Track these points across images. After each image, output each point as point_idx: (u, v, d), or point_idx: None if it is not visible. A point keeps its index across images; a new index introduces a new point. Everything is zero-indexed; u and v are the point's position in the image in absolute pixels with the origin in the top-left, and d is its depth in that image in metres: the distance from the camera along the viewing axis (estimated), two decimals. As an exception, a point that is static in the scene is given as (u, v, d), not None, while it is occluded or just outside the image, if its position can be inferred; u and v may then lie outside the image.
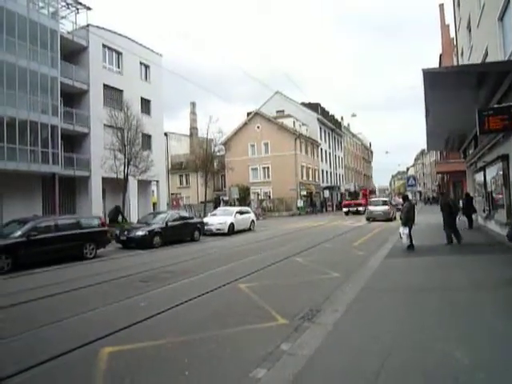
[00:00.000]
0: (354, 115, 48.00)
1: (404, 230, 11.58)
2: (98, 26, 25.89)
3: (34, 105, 20.87)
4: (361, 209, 37.64)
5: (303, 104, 55.13)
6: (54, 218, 13.66)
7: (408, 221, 11.65)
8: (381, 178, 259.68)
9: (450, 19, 32.22)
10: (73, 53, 24.86)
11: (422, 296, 6.31)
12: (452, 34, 28.84)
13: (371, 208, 27.56)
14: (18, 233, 11.55)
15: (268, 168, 46.80)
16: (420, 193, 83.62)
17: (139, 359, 4.37)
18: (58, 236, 12.45)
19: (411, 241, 11.62)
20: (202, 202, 37.40)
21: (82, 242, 13.24)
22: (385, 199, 31.62)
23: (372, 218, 26.56)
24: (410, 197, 17.33)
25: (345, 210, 39.17)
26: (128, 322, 5.62)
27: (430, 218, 23.24)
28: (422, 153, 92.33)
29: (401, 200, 24.77)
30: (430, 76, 9.14)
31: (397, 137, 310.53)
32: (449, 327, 4.79)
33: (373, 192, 50.86)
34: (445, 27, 33.29)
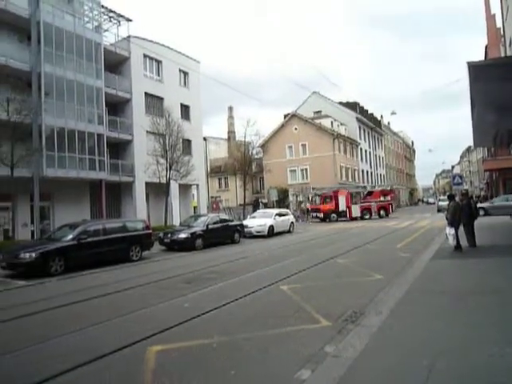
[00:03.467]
0: (393, 113, 46.44)
1: (450, 231, 11.12)
2: (138, 37, 26.82)
3: (81, 115, 21.92)
4: (319, 215, 32.76)
5: (341, 103, 54.37)
6: (102, 222, 14.30)
7: (454, 221, 11.19)
8: (424, 177, 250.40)
9: (496, 9, 30.77)
10: (115, 63, 25.89)
11: (471, 299, 6.06)
12: (498, 24, 27.47)
13: (440, 203, 36.74)
14: (70, 236, 12.17)
15: (306, 169, 46.48)
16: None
17: (186, 358, 4.49)
18: (106, 239, 13.01)
19: (458, 242, 11.15)
20: (241, 205, 37.73)
21: (129, 245, 13.74)
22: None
23: (441, 210, 33.77)
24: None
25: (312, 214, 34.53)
26: (174, 321, 5.78)
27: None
28: (468, 150, 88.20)
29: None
30: (475, 69, 8.77)
31: (440, 134, 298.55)
32: (499, 330, 4.57)
33: (387, 193, 37.39)
34: (490, 17, 31.69)
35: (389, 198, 37.05)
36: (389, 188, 39.48)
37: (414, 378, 3.51)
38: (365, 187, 40.68)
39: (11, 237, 18.73)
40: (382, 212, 35.21)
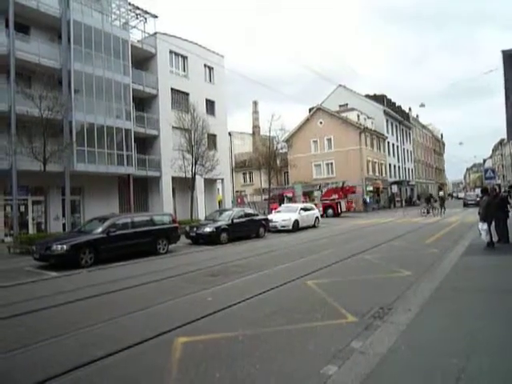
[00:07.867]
0: (422, 105, 44.79)
1: (483, 226, 10.76)
2: (164, 33, 27.09)
3: (110, 110, 22.39)
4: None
5: (368, 96, 53.24)
6: (131, 216, 14.59)
7: (487, 216, 10.79)
8: (454, 171, 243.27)
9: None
10: (142, 60, 26.29)
11: (503, 297, 5.85)
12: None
13: (468, 197, 41.93)
14: (99, 229, 12.47)
15: (332, 164, 45.88)
16: (499, 186, 77.10)
17: (212, 350, 4.52)
18: (134, 232, 13.25)
19: (491, 237, 10.77)
20: (265, 199, 37.67)
21: (156, 238, 13.95)
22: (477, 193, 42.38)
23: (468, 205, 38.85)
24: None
25: None
26: (200, 314, 5.84)
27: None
28: (501, 143, 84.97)
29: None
30: (510, 58, 8.41)
31: (471, 126, 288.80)
32: (539, 331, 4.39)
33: (336, 191, 36.00)
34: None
35: (336, 196, 35.35)
36: (340, 186, 37.12)
37: (444, 377, 3.41)
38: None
39: (44, 229, 19.43)
40: (329, 211, 34.06)
